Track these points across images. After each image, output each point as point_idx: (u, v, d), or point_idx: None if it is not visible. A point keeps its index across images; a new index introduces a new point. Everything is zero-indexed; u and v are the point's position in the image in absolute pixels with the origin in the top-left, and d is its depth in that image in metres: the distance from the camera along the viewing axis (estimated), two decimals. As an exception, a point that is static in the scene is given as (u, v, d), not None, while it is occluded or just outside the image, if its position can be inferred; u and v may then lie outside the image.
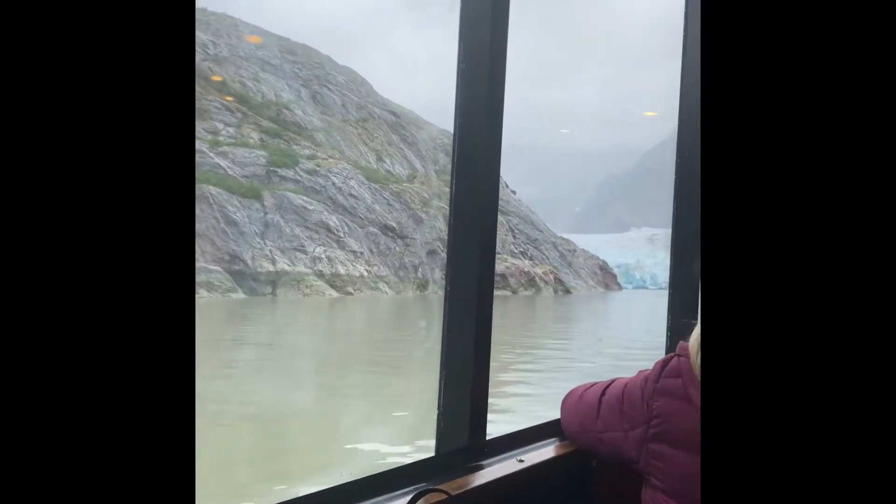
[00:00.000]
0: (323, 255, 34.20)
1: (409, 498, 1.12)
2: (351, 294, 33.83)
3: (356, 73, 53.21)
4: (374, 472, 1.17)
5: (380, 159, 45.45)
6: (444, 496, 1.14)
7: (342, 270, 34.46)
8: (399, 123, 49.75)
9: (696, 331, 1.17)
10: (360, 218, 38.48)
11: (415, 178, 44.23)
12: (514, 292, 39.17)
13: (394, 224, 39.40)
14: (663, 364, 1.20)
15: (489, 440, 1.37)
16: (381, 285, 36.09)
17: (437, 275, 37.29)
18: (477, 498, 1.22)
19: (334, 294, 33.10)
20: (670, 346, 1.94)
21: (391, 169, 45.02)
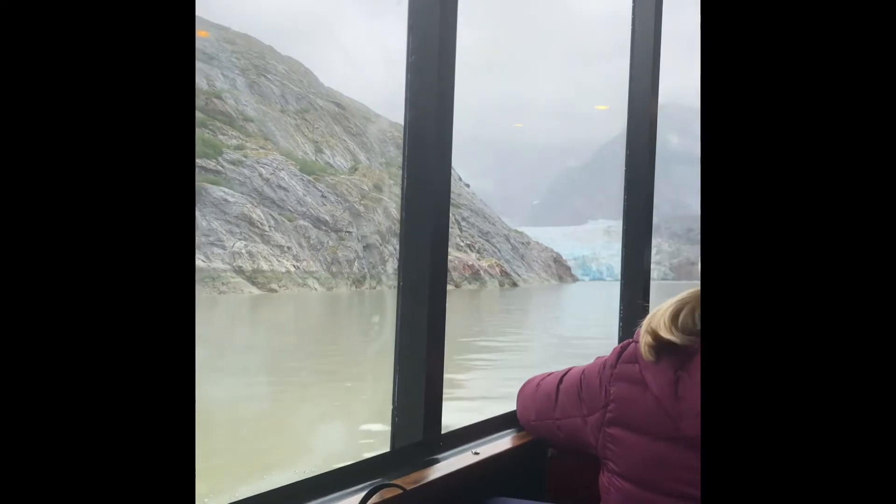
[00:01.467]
0: (243, 251, 32.84)
1: (363, 493, 1.14)
2: (275, 291, 32.52)
3: (300, 63, 52.59)
4: (328, 469, 1.20)
5: (319, 150, 44.23)
6: (399, 491, 1.17)
7: (265, 266, 33.07)
8: (343, 115, 48.69)
9: (648, 315, 1.23)
10: (290, 211, 37.13)
11: (356, 169, 42.92)
12: (458, 286, 38.53)
13: (327, 217, 38.19)
14: (621, 349, 1.25)
15: (444, 434, 1.40)
16: (310, 281, 34.67)
17: (379, 269, 36.04)
18: (432, 492, 1.25)
19: (255, 291, 31.67)
20: (623, 335, 2.04)
21: (331, 160, 43.85)
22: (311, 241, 36.48)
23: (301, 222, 37.06)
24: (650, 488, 1.14)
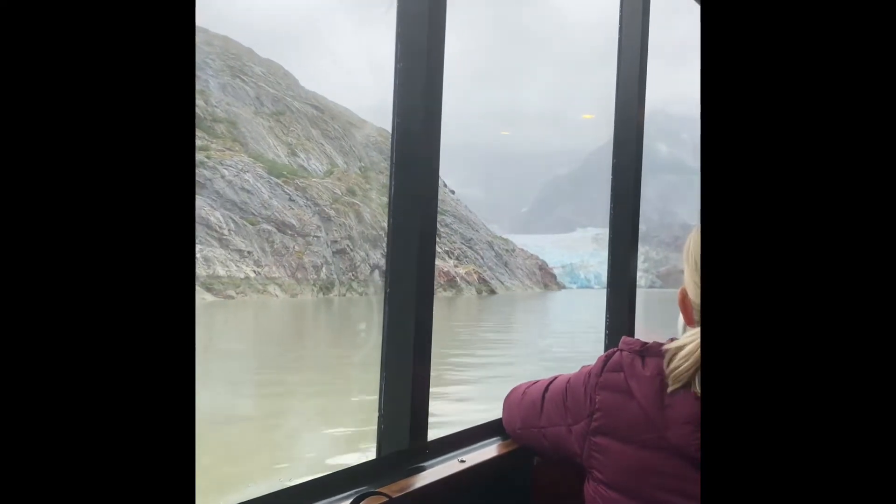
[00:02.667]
0: (198, 255, 32.44)
1: (349, 502, 1.19)
2: (232, 297, 32.17)
3: (279, 65, 53.02)
4: (313, 477, 1.23)
5: (292, 153, 44.26)
6: (384, 499, 1.21)
7: (222, 271, 32.87)
8: (321, 118, 48.61)
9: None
10: (253, 214, 36.98)
11: (332, 173, 42.99)
12: (433, 293, 38.51)
13: (293, 221, 37.92)
14: (606, 358, 1.28)
15: (430, 441, 1.45)
16: (270, 287, 34.46)
17: (350, 275, 35.96)
18: (418, 500, 1.29)
19: (209, 298, 31.29)
20: (609, 343, 2.13)
21: (305, 164, 43.88)
22: (275, 246, 36.38)
23: (264, 226, 36.96)
24: (635, 497, 1.18)
